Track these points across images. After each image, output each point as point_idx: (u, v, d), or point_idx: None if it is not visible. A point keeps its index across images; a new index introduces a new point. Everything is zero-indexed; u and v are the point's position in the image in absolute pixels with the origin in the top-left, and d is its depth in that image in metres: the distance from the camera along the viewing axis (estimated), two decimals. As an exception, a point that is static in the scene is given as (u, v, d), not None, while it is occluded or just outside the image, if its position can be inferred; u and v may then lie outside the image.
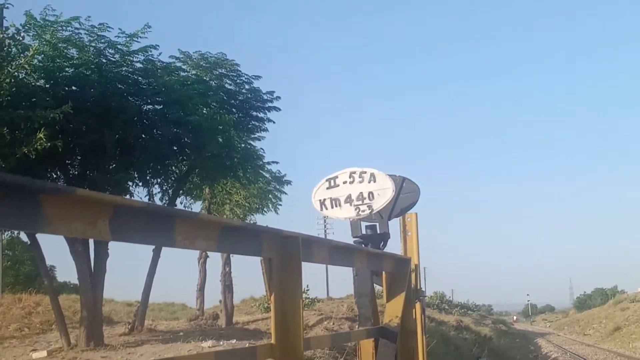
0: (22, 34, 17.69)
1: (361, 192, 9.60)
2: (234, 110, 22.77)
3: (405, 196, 10.31)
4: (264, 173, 29.36)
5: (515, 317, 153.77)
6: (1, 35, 16.93)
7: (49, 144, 16.30)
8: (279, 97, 23.68)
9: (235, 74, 23.09)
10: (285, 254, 4.64)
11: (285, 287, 4.65)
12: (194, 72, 22.49)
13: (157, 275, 22.74)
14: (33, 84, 18.72)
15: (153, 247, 22.28)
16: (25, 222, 2.72)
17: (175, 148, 21.28)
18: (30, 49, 17.27)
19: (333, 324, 25.43)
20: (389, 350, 7.05)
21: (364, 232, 9.78)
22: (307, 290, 37.33)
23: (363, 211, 9.60)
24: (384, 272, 7.59)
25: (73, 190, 2.78)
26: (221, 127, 21.49)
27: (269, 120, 23.95)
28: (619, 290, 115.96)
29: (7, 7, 17.41)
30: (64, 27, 19.24)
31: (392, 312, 7.20)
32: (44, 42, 18.75)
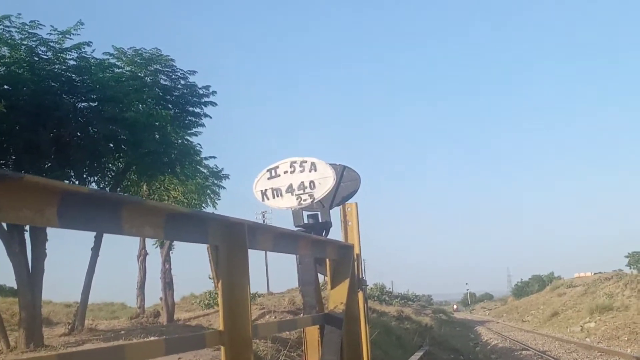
0: (-50, 33, 17.41)
1: (302, 182, 9.64)
2: (170, 106, 22.57)
3: (346, 185, 10.37)
4: (202, 169, 29.27)
5: (455, 306, 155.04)
6: None
7: (-18, 144, 16.07)
8: (215, 92, 23.51)
9: (170, 70, 22.87)
10: (232, 241, 4.65)
11: (232, 274, 4.66)
12: (128, 68, 22.25)
13: (95, 275, 22.57)
14: (-37, 83, 18.43)
15: (91, 246, 22.16)
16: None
17: (111, 145, 21.03)
18: (-40, 48, 17.01)
19: (275, 317, 25.42)
20: (335, 336, 7.09)
21: (306, 221, 9.82)
22: (248, 285, 37.07)
23: (305, 200, 9.63)
24: (327, 260, 7.62)
25: (21, 176, 2.76)
26: (158, 123, 21.35)
27: (206, 116, 23.81)
28: (555, 277, 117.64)
29: None
30: (-6, 25, 18.96)
31: (336, 298, 7.24)
32: (-26, 42, 18.46)
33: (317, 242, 7.16)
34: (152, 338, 17.38)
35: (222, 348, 4.62)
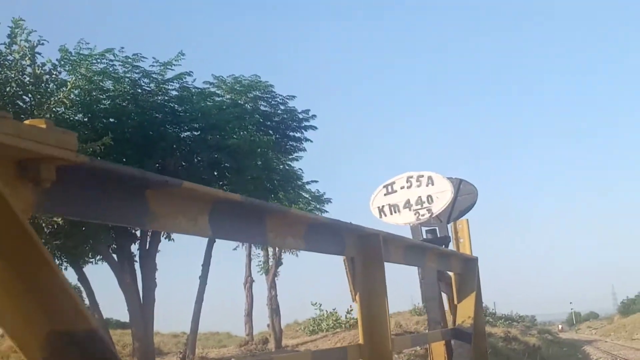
0: (58, 69, 17.76)
1: (419, 196, 9.52)
2: (270, 131, 22.72)
3: (463, 198, 10.22)
4: (304, 193, 29.30)
5: (561, 326, 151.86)
6: (38, 72, 17.00)
7: (91, 176, 16.31)
8: (315, 116, 23.64)
9: (269, 96, 23.07)
10: (368, 253, 4.57)
11: (369, 286, 4.57)
12: (228, 96, 22.49)
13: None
14: (72, 118, 18.80)
15: (199, 274, 22.37)
16: (133, 217, 2.65)
17: (215, 173, 21.26)
18: (68, 84, 17.32)
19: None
20: (464, 351, 6.93)
21: (424, 236, 9.69)
22: (351, 310, 36.98)
23: (423, 215, 9.52)
24: (452, 274, 7.48)
25: (181, 183, 2.71)
26: (259, 150, 21.45)
27: (306, 140, 23.91)
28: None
29: (43, 44, 17.47)
30: (99, 60, 19.34)
31: (464, 312, 7.09)
32: (80, 76, 18.82)
33: (442, 255, 7.03)
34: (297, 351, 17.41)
35: (363, 361, 4.53)
